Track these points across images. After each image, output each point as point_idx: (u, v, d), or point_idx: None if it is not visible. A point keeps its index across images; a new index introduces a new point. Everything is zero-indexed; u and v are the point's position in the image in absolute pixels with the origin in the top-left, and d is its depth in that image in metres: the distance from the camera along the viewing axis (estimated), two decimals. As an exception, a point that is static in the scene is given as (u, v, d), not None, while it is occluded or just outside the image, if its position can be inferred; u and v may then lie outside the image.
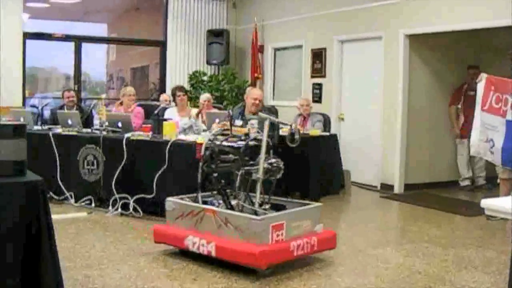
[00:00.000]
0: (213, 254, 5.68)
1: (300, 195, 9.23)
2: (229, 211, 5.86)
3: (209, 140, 6.35)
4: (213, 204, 6.15)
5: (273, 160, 6.08)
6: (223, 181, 6.15)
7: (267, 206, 5.99)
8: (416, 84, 10.30)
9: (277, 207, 6.13)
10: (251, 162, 6.09)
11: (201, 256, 5.79)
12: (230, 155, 6.19)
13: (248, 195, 6.04)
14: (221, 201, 6.16)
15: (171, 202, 6.29)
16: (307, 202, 6.54)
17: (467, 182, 10.67)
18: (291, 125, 6.54)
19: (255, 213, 5.82)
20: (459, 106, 10.54)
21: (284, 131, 9.38)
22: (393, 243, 7.03)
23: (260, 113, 7.07)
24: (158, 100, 12.57)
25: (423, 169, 10.55)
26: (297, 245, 5.68)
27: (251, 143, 6.38)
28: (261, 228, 5.49)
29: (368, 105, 10.90)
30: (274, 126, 8.33)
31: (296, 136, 6.35)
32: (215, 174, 6.14)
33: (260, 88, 11.30)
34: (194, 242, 5.84)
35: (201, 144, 6.51)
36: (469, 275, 5.73)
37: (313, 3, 12.09)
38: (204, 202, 6.20)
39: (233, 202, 6.05)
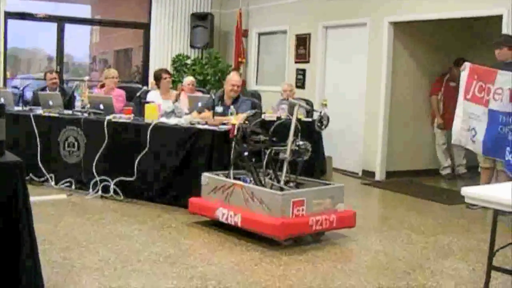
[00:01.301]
0: (239, 224, 6.22)
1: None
2: (255, 186, 6.32)
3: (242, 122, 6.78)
4: (245, 181, 6.58)
5: (301, 143, 6.58)
6: (253, 159, 6.57)
7: (291, 184, 6.48)
8: (400, 72, 10.30)
9: (301, 186, 6.60)
10: (281, 143, 6.58)
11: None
12: (260, 136, 6.64)
13: (276, 173, 6.52)
14: (251, 178, 6.55)
15: (206, 176, 6.77)
16: (329, 182, 7.10)
17: (447, 171, 10.71)
18: (320, 112, 7.14)
19: (280, 189, 6.29)
20: (439, 96, 10.54)
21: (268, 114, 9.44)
22: (374, 230, 7.03)
23: (291, 99, 7.44)
24: (141, 83, 12.51)
25: (405, 157, 10.58)
26: (316, 220, 6.09)
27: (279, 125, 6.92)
28: (283, 202, 5.94)
29: (351, 91, 10.89)
30: (257, 109, 8.34)
31: (324, 122, 7.08)
32: (246, 153, 6.56)
33: (241, 73, 11.24)
34: (223, 213, 6.38)
35: (234, 125, 6.82)
36: (449, 262, 5.75)
37: (298, -12, 12.06)
38: (237, 179, 6.63)
39: (262, 179, 6.48)
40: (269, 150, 6.51)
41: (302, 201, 6.05)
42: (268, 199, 6.03)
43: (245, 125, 6.70)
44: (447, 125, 10.22)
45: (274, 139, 6.65)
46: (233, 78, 8.37)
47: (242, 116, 7.52)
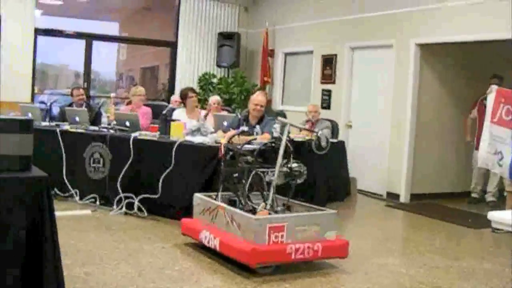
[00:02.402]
0: (218, 248, 5.95)
1: (306, 202, 9.22)
2: (236, 210, 6.02)
3: (227, 142, 6.68)
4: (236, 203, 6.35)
5: (294, 165, 6.23)
6: (243, 181, 6.25)
7: (279, 208, 6.12)
8: (426, 94, 10.26)
9: (292, 210, 6.32)
10: (269, 166, 6.25)
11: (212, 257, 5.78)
12: (248, 157, 6.35)
13: (264, 196, 6.19)
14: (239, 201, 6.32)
15: (197, 197, 6.61)
16: (323, 208, 6.50)
17: (475, 195, 10.50)
18: (317, 132, 6.79)
19: (254, 213, 5.96)
20: (472, 115, 10.34)
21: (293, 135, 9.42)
22: (397, 253, 7.00)
23: (280, 118, 7.17)
24: (167, 101, 12.57)
25: (430, 179, 10.50)
26: (296, 248, 5.69)
27: (264, 147, 6.57)
28: (257, 227, 5.60)
29: (376, 113, 10.86)
30: (282, 130, 8.32)
31: (323, 143, 6.67)
32: (236, 174, 6.33)
33: (266, 93, 11.21)
34: (206, 236, 6.17)
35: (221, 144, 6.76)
36: (472, 287, 5.69)
37: (325, 9, 12.07)
38: (233, 201, 6.41)
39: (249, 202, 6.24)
40: (253, 172, 6.17)
41: (281, 227, 5.69)
42: (244, 223, 5.75)
43: (231, 146, 6.61)
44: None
45: (260, 160, 6.36)
46: (256, 97, 8.39)
47: (227, 135, 7.56)
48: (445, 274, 6.07)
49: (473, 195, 10.50)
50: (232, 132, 7.93)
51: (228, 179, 6.42)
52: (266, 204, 6.06)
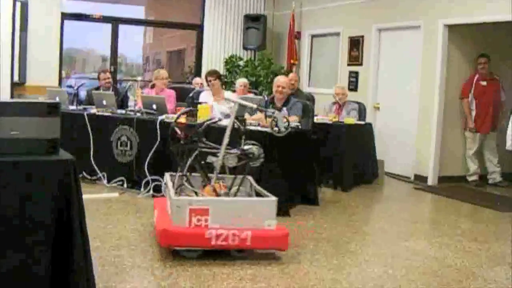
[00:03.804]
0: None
1: (333, 184, 9.21)
2: (170, 190, 5.87)
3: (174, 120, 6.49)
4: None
5: (246, 147, 6.02)
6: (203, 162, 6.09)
7: (222, 192, 5.92)
8: (454, 75, 10.15)
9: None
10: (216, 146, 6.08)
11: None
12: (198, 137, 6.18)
13: (206, 175, 6.07)
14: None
15: (167, 175, 6.46)
16: (268, 194, 5.99)
17: (474, 177, 10.35)
18: (272, 112, 6.38)
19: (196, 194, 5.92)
20: (470, 98, 10.20)
21: (320, 117, 9.40)
22: (425, 236, 6.94)
23: (227, 96, 6.97)
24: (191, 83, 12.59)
25: (458, 162, 10.41)
26: (217, 234, 5.43)
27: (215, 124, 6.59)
28: (176, 208, 5.46)
29: (404, 95, 10.78)
30: (308, 112, 8.31)
31: (281, 125, 6.20)
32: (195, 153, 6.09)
33: (293, 75, 11.12)
34: (154, 215, 6.25)
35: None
36: (502, 271, 5.64)
37: (351, -10, 12.01)
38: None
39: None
40: (195, 152, 6.00)
41: (205, 211, 5.46)
42: (169, 203, 5.70)
43: (174, 124, 6.43)
44: (480, 128, 10.05)
45: (205, 139, 6.19)
46: (278, 79, 8.39)
47: (255, 118, 7.55)
48: (474, 258, 6.02)
49: (472, 178, 10.38)
50: (258, 114, 7.92)
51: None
52: (208, 185, 5.97)
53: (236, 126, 6.14)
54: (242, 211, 5.57)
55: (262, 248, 5.65)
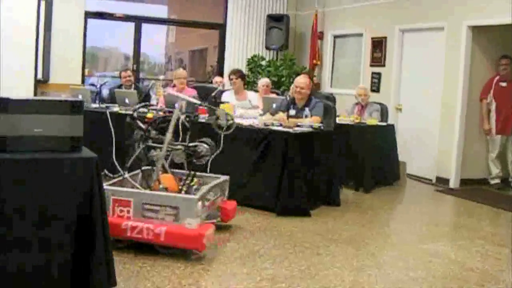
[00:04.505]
0: None
1: (355, 185, 9.18)
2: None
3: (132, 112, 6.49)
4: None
5: (192, 144, 6.11)
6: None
7: (161, 186, 5.93)
8: (477, 77, 10.07)
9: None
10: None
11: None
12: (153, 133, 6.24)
13: (152, 169, 6.14)
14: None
15: None
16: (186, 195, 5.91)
17: (496, 180, 10.22)
18: (215, 111, 6.55)
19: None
20: (488, 99, 10.10)
21: (342, 118, 9.38)
22: (446, 239, 6.91)
23: (170, 92, 7.02)
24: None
25: (481, 164, 10.33)
26: (133, 226, 5.43)
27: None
28: (107, 198, 5.29)
29: (427, 96, 10.72)
30: (330, 113, 8.29)
31: (222, 122, 6.35)
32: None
33: (315, 75, 11.06)
34: None
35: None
36: (524, 275, 5.61)
37: (375, -10, 11.97)
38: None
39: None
40: (142, 146, 6.12)
41: (127, 202, 5.51)
42: None
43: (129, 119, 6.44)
44: (502, 130, 9.96)
45: (155, 132, 6.22)
46: (297, 79, 8.40)
47: (276, 118, 7.58)
48: (495, 262, 5.98)
49: (494, 181, 10.26)
50: (280, 114, 7.92)
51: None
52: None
53: (183, 121, 6.17)
54: (161, 206, 5.53)
55: (176, 245, 5.49)
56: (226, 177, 6.70)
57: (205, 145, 6.11)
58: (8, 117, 3.96)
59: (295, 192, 7.22)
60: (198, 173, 6.45)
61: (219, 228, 6.34)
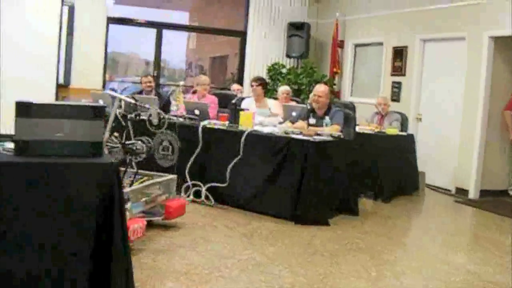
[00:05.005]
0: None
1: (374, 195, 9.16)
2: None
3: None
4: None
5: (129, 142, 6.42)
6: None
7: None
8: (499, 88, 10.01)
9: None
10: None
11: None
12: None
13: None
14: None
15: None
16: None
17: None
18: (148, 108, 6.83)
19: None
20: None
21: (362, 127, 9.36)
22: (465, 250, 6.87)
23: (108, 92, 7.16)
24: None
25: (501, 176, 10.27)
26: None
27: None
28: None
29: (447, 107, 10.68)
30: (349, 122, 8.28)
31: (154, 120, 6.75)
32: None
33: (335, 84, 11.03)
34: None
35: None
36: (544, 287, 5.56)
37: (396, 0, 11.92)
38: None
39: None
40: None
41: None
42: None
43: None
44: None
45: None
46: (316, 87, 8.41)
47: (296, 126, 7.63)
48: (515, 273, 5.95)
49: None
50: (300, 123, 7.92)
51: None
52: None
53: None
54: None
55: None
56: (173, 176, 6.96)
57: (140, 143, 6.25)
58: (30, 121, 3.98)
59: (313, 200, 7.20)
60: (148, 172, 6.85)
61: (233, 234, 6.36)
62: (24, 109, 3.97)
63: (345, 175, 7.81)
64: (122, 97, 6.79)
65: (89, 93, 9.93)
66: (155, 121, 6.73)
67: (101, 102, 8.83)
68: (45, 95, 10.50)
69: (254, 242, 6.37)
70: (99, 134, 4.15)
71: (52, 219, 3.88)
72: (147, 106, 6.89)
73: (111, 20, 12.89)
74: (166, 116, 6.96)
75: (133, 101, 6.83)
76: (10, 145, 4.18)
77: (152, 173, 6.91)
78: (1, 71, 10.41)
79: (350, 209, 7.93)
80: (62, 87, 11.60)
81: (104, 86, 12.77)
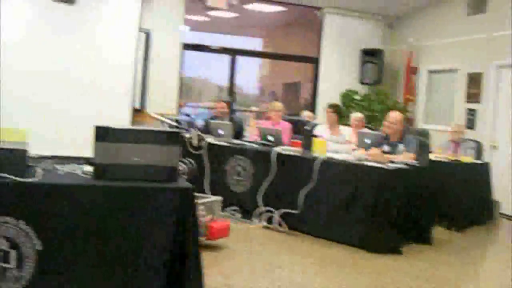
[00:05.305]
0: None
1: (447, 223, 9.01)
2: None
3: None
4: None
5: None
6: None
7: None
8: None
9: None
10: None
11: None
12: None
13: None
14: None
15: None
16: None
17: None
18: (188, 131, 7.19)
19: None
20: None
21: (436, 154, 9.25)
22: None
23: (153, 115, 7.23)
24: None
25: None
26: None
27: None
28: None
29: (524, 135, 10.48)
30: (424, 149, 8.19)
31: (194, 141, 7.17)
32: None
33: (409, 111, 10.96)
34: None
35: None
36: None
37: (471, 25, 11.79)
38: None
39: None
40: None
41: None
42: None
43: None
44: None
45: None
46: (389, 115, 8.34)
47: (370, 153, 7.53)
48: None
49: None
50: (374, 150, 7.87)
51: None
52: None
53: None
54: None
55: None
56: (218, 198, 7.01)
57: (183, 164, 6.30)
58: (107, 145, 4.07)
59: (386, 228, 7.14)
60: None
61: (305, 261, 6.33)
62: (102, 134, 4.07)
63: (419, 203, 7.71)
64: (165, 119, 6.95)
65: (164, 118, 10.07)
66: (195, 142, 7.13)
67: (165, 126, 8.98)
68: (121, 120, 10.72)
69: (326, 270, 6.33)
70: (175, 159, 4.21)
71: (129, 240, 3.95)
72: (188, 128, 7.11)
73: (186, 46, 13.08)
74: (205, 138, 7.30)
75: (174, 123, 7.03)
76: (88, 168, 4.28)
77: (197, 194, 6.92)
78: (78, 98, 10.73)
79: (423, 238, 7.81)
80: (137, 112, 11.80)
81: (178, 111, 12.94)
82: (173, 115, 11.84)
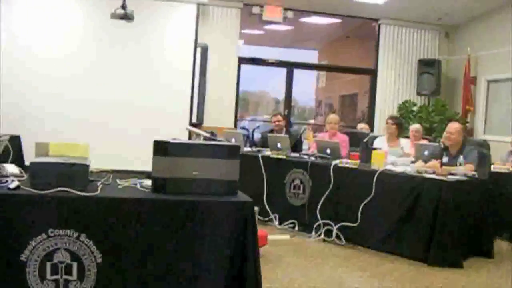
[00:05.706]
0: None
1: (509, 236, 8.85)
2: None
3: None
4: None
5: None
6: None
7: None
8: None
9: None
10: None
11: None
12: None
13: None
14: None
15: None
16: None
17: None
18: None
19: None
20: None
21: (496, 166, 9.11)
22: None
23: (190, 128, 7.25)
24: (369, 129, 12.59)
25: None
26: None
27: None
28: None
29: None
30: (484, 161, 8.07)
31: None
32: None
33: (468, 122, 10.81)
34: None
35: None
36: None
37: (529, 33, 11.62)
38: None
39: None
40: None
41: None
42: None
43: None
44: None
45: None
46: (449, 126, 8.23)
47: (429, 165, 7.43)
48: None
49: None
50: (433, 162, 7.79)
51: None
52: None
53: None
54: None
55: None
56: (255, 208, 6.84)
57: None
58: (167, 159, 4.12)
59: (447, 242, 7.04)
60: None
61: (364, 275, 6.29)
62: (161, 148, 4.12)
63: (480, 216, 7.60)
64: (199, 131, 6.89)
65: (222, 131, 10.13)
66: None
67: (233, 141, 9.02)
68: (179, 134, 10.81)
69: (386, 285, 6.26)
70: (234, 172, 4.23)
71: (188, 253, 3.98)
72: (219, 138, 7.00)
73: (243, 60, 13.16)
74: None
75: (209, 135, 6.95)
76: (148, 182, 4.33)
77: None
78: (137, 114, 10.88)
79: (485, 251, 7.68)
80: (195, 126, 11.88)
81: (235, 125, 13.01)
82: (231, 129, 11.92)
